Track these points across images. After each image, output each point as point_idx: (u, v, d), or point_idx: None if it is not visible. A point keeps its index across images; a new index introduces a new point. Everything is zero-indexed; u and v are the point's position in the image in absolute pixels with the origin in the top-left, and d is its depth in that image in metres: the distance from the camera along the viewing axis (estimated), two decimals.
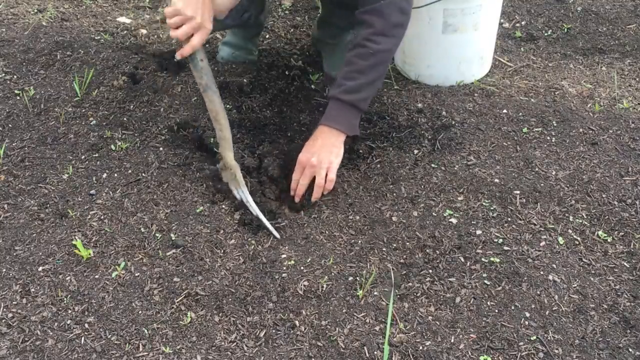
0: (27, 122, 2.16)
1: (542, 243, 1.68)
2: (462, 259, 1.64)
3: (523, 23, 2.77)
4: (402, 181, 1.88)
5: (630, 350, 1.42)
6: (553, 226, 1.73)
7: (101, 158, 1.99)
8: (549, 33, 2.70)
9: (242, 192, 1.76)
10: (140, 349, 1.44)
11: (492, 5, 2.21)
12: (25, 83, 2.35)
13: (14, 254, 1.68)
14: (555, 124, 2.10)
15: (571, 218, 1.76)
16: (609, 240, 1.69)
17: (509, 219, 1.75)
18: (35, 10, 2.90)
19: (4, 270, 1.64)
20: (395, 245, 1.69)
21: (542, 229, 1.72)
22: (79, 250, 1.65)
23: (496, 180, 1.87)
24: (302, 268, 1.62)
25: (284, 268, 1.62)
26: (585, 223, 1.74)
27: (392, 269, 1.62)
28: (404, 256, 1.66)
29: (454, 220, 1.75)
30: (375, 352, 1.42)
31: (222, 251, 1.67)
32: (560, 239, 1.69)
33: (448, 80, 2.32)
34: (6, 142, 2.07)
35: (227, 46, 2.46)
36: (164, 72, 2.35)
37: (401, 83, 2.35)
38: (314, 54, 2.53)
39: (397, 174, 1.91)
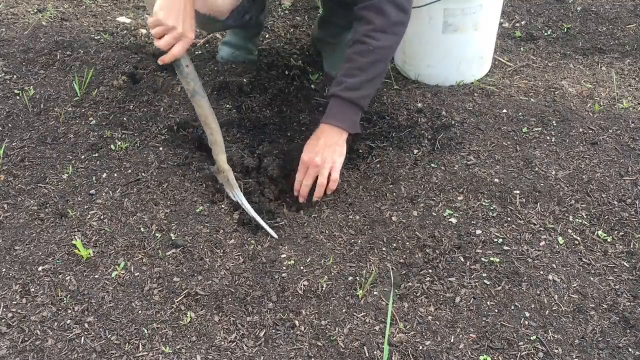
0: (27, 122, 2.16)
1: (542, 243, 1.68)
2: (462, 259, 1.64)
3: (523, 23, 2.77)
4: (402, 181, 1.88)
5: (630, 350, 1.42)
6: (553, 226, 1.73)
7: (101, 158, 1.99)
8: (549, 33, 2.70)
9: (236, 195, 1.77)
10: (140, 349, 1.44)
11: (493, 5, 2.21)
12: (25, 83, 2.35)
13: (14, 254, 1.68)
14: (555, 124, 2.10)
15: (571, 218, 1.76)
16: (609, 240, 1.69)
17: (509, 219, 1.75)
18: (35, 10, 2.90)
19: (4, 270, 1.64)
20: (395, 245, 1.69)
21: (542, 229, 1.72)
22: (79, 250, 1.65)
23: (496, 180, 1.87)
24: (302, 268, 1.62)
25: (284, 268, 1.62)
26: (585, 223, 1.74)
27: (392, 269, 1.62)
28: (404, 256, 1.66)
29: (454, 220, 1.75)
30: (375, 352, 1.42)
31: (222, 251, 1.67)
32: (560, 239, 1.69)
33: (448, 80, 2.32)
34: (6, 142, 2.07)
35: (227, 46, 2.46)
36: (164, 72, 2.35)
37: (401, 83, 2.35)
38: (314, 54, 2.53)
39: (397, 174, 1.91)
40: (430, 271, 1.61)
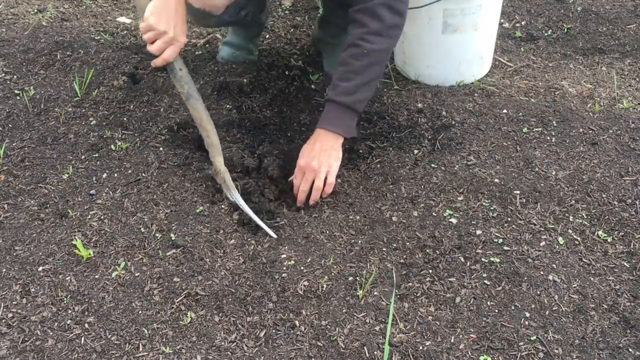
0: (27, 122, 2.16)
1: (542, 243, 1.68)
2: (462, 259, 1.64)
3: (523, 23, 2.77)
4: (402, 181, 1.88)
5: (630, 350, 1.42)
6: (553, 226, 1.73)
7: (101, 158, 1.99)
8: (549, 33, 2.70)
9: (234, 196, 1.77)
10: (140, 349, 1.44)
11: (492, 6, 2.21)
12: (25, 83, 2.35)
13: (14, 254, 1.68)
14: (555, 124, 2.10)
15: (571, 218, 1.76)
16: (609, 240, 1.69)
17: (509, 219, 1.75)
18: (35, 10, 2.90)
19: (4, 270, 1.64)
20: (395, 245, 1.69)
21: (542, 229, 1.72)
22: (79, 250, 1.65)
23: (496, 180, 1.87)
24: (302, 268, 1.62)
25: (284, 268, 1.62)
26: (585, 223, 1.74)
27: (392, 269, 1.62)
28: (404, 256, 1.66)
29: (454, 220, 1.75)
30: (375, 352, 1.42)
31: (222, 251, 1.67)
32: (560, 239, 1.69)
33: (448, 80, 2.32)
34: (6, 142, 2.07)
35: (228, 46, 2.46)
36: (164, 72, 2.35)
37: (401, 83, 2.35)
38: (314, 54, 2.53)
39: (397, 174, 1.91)
40: (430, 271, 1.61)
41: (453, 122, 2.10)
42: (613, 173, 1.90)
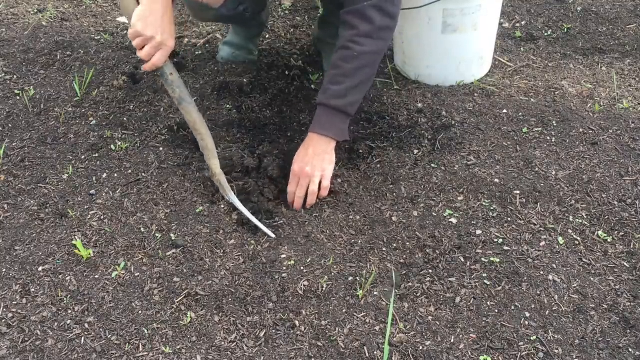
0: (27, 122, 2.16)
1: (542, 243, 1.68)
2: (462, 259, 1.64)
3: (523, 23, 2.77)
4: (402, 181, 1.88)
5: (630, 350, 1.42)
6: (553, 226, 1.73)
7: (101, 158, 1.99)
8: (549, 33, 2.70)
9: (230, 198, 1.77)
10: (140, 349, 1.44)
11: (492, 6, 2.21)
12: (25, 83, 2.35)
13: (14, 254, 1.68)
14: (555, 124, 2.10)
15: (571, 218, 1.76)
16: (609, 240, 1.69)
17: (509, 219, 1.75)
18: (35, 10, 2.90)
19: (4, 270, 1.64)
20: (395, 245, 1.69)
21: (542, 229, 1.72)
22: (79, 250, 1.65)
23: (496, 180, 1.87)
24: (302, 268, 1.62)
25: (284, 268, 1.62)
26: (585, 223, 1.74)
27: (392, 269, 1.62)
28: (404, 256, 1.66)
29: (454, 220, 1.75)
30: (375, 352, 1.42)
31: (222, 251, 1.67)
32: (560, 239, 1.69)
33: (448, 80, 2.32)
34: (6, 142, 2.07)
35: (228, 46, 2.46)
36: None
37: (401, 83, 2.35)
38: (314, 54, 2.53)
39: (397, 174, 1.91)
40: (430, 271, 1.61)
41: (453, 122, 2.10)
42: (613, 173, 1.90)
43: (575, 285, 1.57)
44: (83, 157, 2.00)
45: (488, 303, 1.53)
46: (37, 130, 2.12)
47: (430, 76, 2.33)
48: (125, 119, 2.15)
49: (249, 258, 1.65)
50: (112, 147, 2.03)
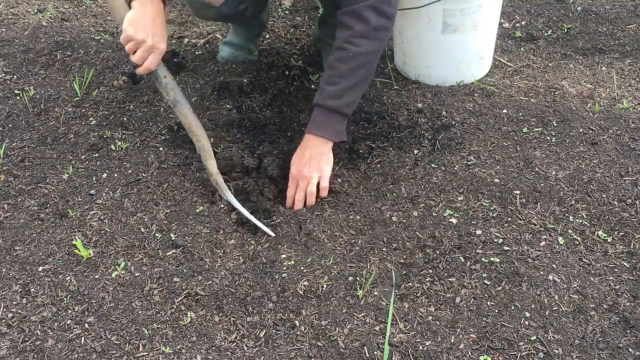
0: (27, 122, 2.16)
1: (542, 243, 1.68)
2: (462, 259, 1.64)
3: (523, 23, 2.77)
4: (402, 181, 1.88)
5: (630, 350, 1.42)
6: (553, 226, 1.73)
7: (101, 158, 1.99)
8: (549, 33, 2.70)
9: (228, 198, 1.77)
10: (140, 349, 1.44)
11: (492, 6, 2.21)
12: (25, 83, 2.35)
13: (14, 254, 1.68)
14: (555, 124, 2.10)
15: (571, 218, 1.76)
16: (609, 240, 1.69)
17: (509, 219, 1.75)
18: (35, 10, 2.90)
19: (4, 270, 1.64)
20: (395, 245, 1.69)
21: (542, 229, 1.72)
22: (79, 250, 1.65)
23: (496, 180, 1.87)
24: (302, 268, 1.62)
25: (284, 268, 1.62)
26: (585, 223, 1.74)
27: (392, 269, 1.62)
28: (404, 256, 1.66)
29: (454, 220, 1.75)
30: (375, 352, 1.42)
31: (222, 251, 1.67)
32: (560, 239, 1.69)
33: (448, 80, 2.32)
34: (6, 142, 2.07)
35: (228, 46, 2.47)
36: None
37: (401, 83, 2.35)
38: (314, 54, 2.53)
39: (397, 174, 1.91)
40: (430, 271, 1.61)
41: (453, 122, 2.10)
42: (613, 173, 1.90)
43: (575, 285, 1.57)
44: (83, 157, 2.00)
45: (488, 303, 1.53)
46: (37, 130, 2.12)
47: (430, 76, 2.33)
48: (125, 119, 2.15)
49: (249, 258, 1.65)
50: (112, 147, 2.03)
